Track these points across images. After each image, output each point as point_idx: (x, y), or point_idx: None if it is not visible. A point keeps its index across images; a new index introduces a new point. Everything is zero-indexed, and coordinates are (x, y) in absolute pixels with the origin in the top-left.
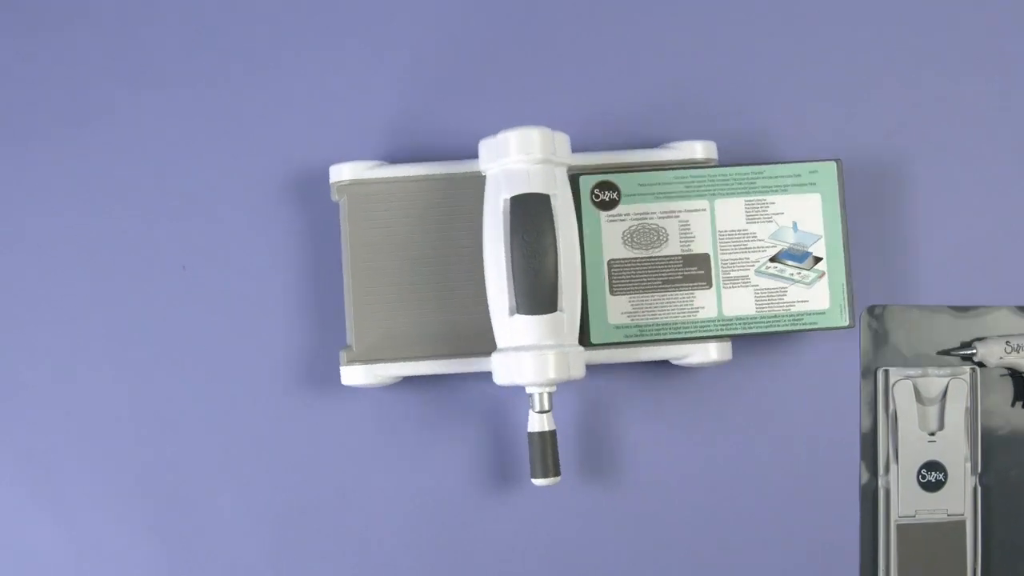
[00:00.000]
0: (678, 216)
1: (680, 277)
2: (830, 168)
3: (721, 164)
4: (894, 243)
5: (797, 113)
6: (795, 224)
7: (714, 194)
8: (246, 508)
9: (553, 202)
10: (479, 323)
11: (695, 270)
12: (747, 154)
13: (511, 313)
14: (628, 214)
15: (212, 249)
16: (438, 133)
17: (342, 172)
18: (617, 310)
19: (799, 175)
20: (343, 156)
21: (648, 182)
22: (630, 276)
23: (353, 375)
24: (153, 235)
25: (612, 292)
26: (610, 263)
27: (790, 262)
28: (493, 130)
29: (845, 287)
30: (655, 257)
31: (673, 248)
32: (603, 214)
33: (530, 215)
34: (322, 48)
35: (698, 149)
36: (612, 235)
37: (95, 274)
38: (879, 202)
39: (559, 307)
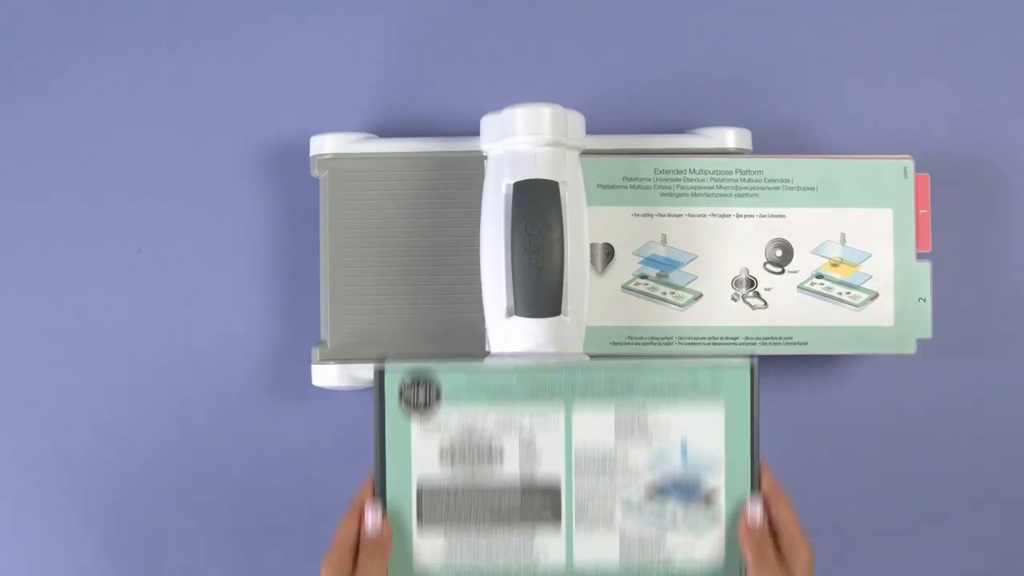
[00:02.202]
0: (519, 427)
1: (517, 512)
2: (734, 368)
3: (755, 154)
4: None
5: (843, 99)
6: (684, 445)
7: (572, 395)
8: (203, 527)
9: (562, 190)
10: (471, 323)
11: (538, 503)
12: (785, 144)
13: (508, 315)
14: (450, 421)
15: (171, 230)
16: (435, 105)
17: (324, 144)
18: (427, 551)
19: (693, 375)
20: (325, 126)
21: (477, 382)
22: (447, 506)
23: (326, 375)
24: (104, 214)
25: (420, 525)
26: (420, 486)
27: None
28: (497, 105)
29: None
30: (484, 484)
31: (510, 471)
32: (414, 421)
33: (535, 204)
34: (303, 2)
35: (730, 138)
36: (426, 450)
37: (36, 259)
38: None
39: (563, 311)
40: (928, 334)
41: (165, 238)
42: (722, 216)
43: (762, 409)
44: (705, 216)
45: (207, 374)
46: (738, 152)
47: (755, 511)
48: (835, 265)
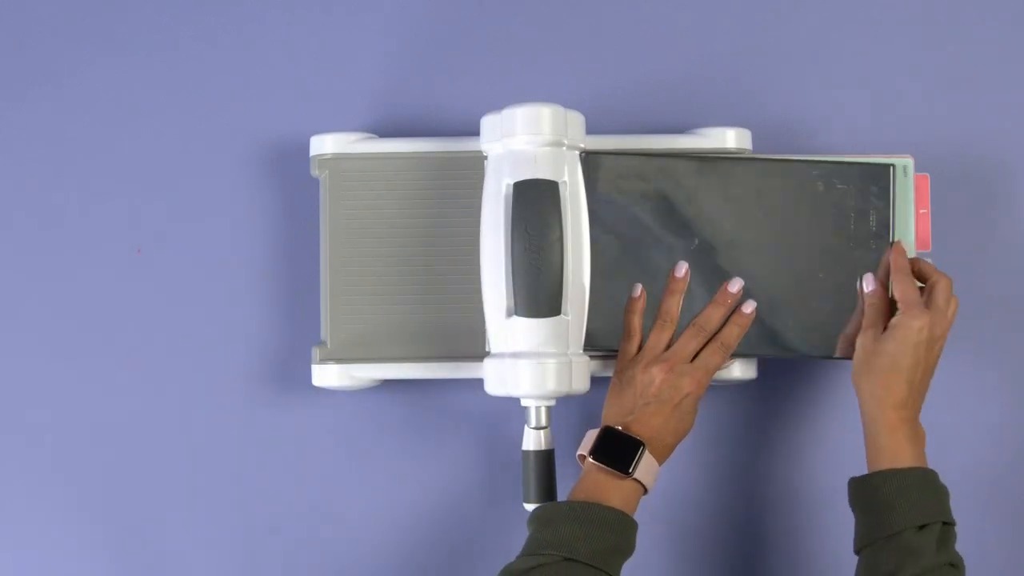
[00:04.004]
0: None
1: None
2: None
3: (755, 154)
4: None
5: (843, 99)
6: None
7: None
8: (203, 527)
9: (562, 191)
10: (472, 324)
11: None
12: (785, 144)
13: (508, 315)
14: None
15: (170, 229)
16: (435, 105)
17: (324, 144)
18: None
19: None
20: (325, 126)
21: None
22: None
23: (326, 375)
24: (103, 213)
25: None
26: None
27: None
28: (497, 105)
29: None
30: None
31: None
32: None
33: (535, 204)
34: (303, 2)
35: (730, 137)
36: None
37: (35, 258)
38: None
39: (563, 311)
40: None
41: (165, 238)
42: None
43: (763, 410)
44: None
45: (207, 374)
46: (738, 152)
47: (868, 280)
48: None
